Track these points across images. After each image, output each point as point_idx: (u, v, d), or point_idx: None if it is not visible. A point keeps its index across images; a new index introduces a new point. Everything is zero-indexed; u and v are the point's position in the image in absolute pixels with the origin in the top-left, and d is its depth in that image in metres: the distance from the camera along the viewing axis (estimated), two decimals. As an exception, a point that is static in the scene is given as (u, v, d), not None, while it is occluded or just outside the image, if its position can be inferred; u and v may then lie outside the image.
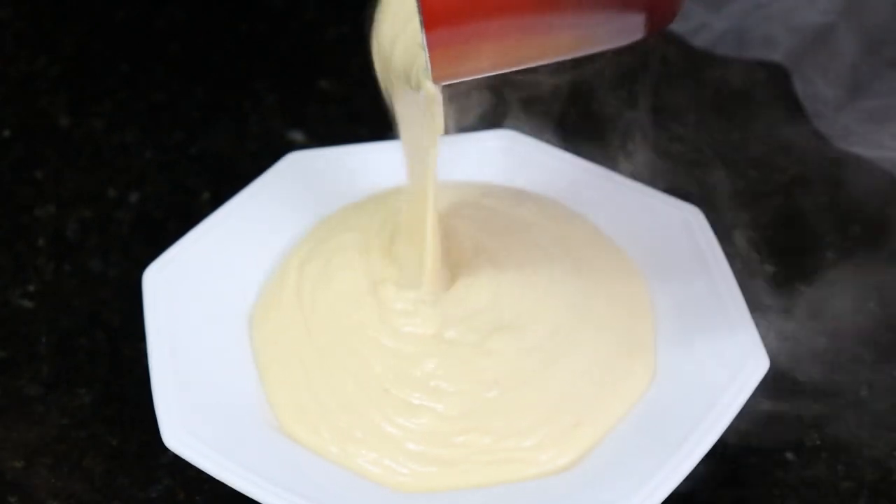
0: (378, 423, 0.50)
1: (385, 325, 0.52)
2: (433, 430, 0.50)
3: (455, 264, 0.55)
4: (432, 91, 0.45)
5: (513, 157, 0.61)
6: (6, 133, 0.70)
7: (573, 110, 0.69)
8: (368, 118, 0.70)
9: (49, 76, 0.74)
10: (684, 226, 0.57)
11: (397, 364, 0.51)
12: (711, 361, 0.51)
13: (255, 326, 0.54)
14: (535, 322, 0.53)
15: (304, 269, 0.56)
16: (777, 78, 0.72)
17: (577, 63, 0.73)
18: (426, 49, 0.40)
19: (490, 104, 0.65)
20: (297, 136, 0.70)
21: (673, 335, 0.53)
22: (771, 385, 0.53)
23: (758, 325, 0.51)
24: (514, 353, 0.52)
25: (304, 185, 0.59)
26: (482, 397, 0.50)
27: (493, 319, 0.53)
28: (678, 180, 0.62)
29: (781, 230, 0.63)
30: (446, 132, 0.47)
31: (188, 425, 0.47)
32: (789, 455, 0.53)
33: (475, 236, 0.57)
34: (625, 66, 0.73)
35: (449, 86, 0.45)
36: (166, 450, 0.47)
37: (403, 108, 0.49)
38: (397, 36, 0.46)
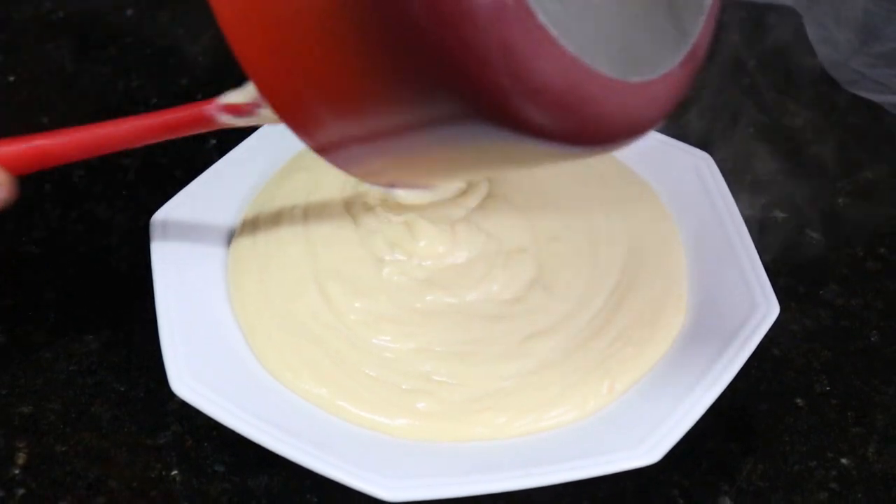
0: (388, 381, 0.49)
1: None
2: (450, 400, 0.49)
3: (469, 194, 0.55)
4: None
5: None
6: (11, 78, 0.69)
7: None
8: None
9: (54, 21, 0.73)
10: (696, 172, 0.56)
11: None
12: (721, 307, 0.50)
13: (230, 282, 0.54)
14: (572, 278, 0.52)
15: (257, 221, 0.55)
16: (788, 22, 0.71)
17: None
18: None
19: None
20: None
21: (688, 280, 0.53)
22: (780, 331, 0.52)
23: (767, 271, 0.51)
24: (548, 312, 0.51)
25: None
26: (502, 375, 0.50)
27: (521, 271, 0.53)
28: (688, 126, 0.62)
29: (791, 175, 0.63)
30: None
31: (195, 372, 0.47)
32: (799, 401, 0.53)
33: None
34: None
35: None
36: (174, 396, 0.47)
37: None
38: None
